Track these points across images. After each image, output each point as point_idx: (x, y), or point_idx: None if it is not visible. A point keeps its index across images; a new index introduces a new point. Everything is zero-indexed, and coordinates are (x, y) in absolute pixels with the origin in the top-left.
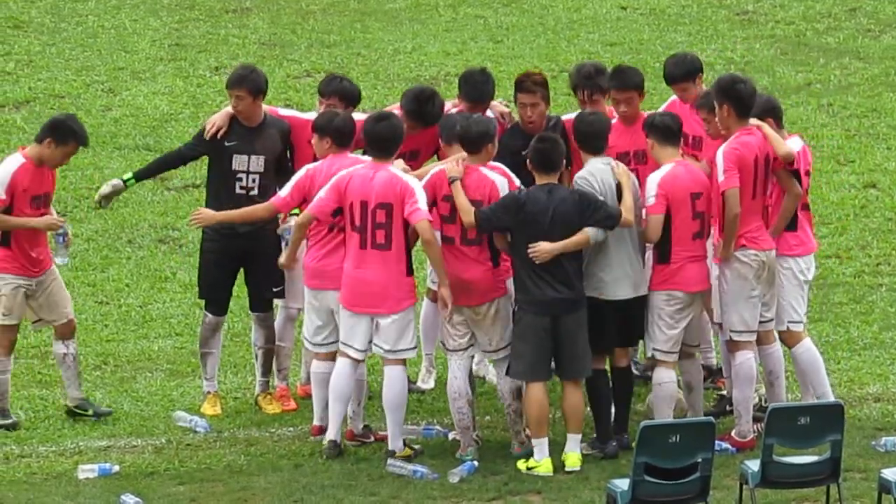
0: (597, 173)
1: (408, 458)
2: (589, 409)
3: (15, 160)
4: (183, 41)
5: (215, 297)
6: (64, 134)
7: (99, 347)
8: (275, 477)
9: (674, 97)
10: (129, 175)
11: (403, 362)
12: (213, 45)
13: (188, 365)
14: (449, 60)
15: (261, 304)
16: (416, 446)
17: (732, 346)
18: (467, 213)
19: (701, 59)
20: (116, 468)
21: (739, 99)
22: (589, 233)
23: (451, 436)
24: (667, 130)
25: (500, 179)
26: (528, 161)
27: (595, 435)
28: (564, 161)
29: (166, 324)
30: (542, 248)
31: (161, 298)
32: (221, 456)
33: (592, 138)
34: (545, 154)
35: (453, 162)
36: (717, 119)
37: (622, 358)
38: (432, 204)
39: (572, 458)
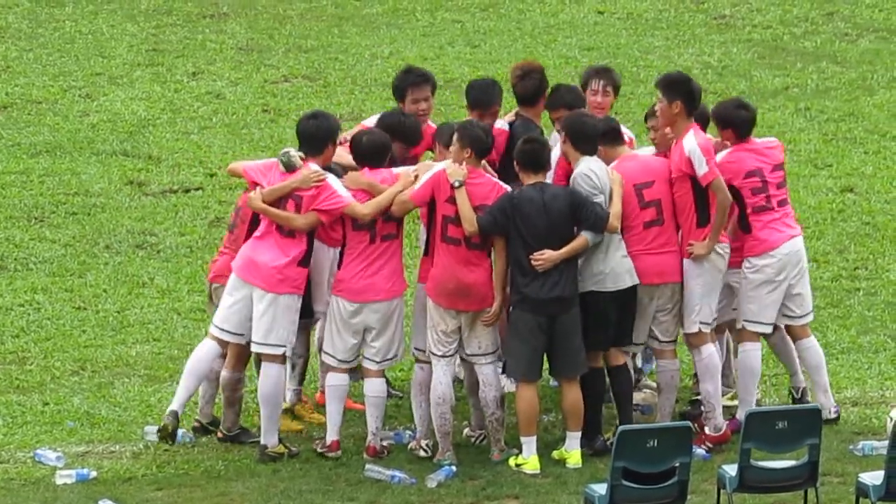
0: (598, 171)
1: (280, 455)
2: None
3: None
4: (160, 46)
5: None
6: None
7: (76, 353)
8: (252, 482)
9: None
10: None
11: (281, 359)
12: (190, 50)
13: (166, 370)
14: (426, 65)
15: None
16: (293, 447)
17: (697, 340)
18: (470, 221)
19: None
20: (94, 474)
21: (691, 94)
22: (587, 237)
23: (410, 445)
24: (612, 133)
25: (507, 186)
26: (515, 162)
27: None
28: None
29: (144, 329)
30: (547, 257)
31: (138, 304)
32: (199, 461)
33: (585, 139)
34: (534, 154)
35: (454, 164)
36: (662, 118)
37: (618, 356)
38: (432, 203)
39: (575, 455)
